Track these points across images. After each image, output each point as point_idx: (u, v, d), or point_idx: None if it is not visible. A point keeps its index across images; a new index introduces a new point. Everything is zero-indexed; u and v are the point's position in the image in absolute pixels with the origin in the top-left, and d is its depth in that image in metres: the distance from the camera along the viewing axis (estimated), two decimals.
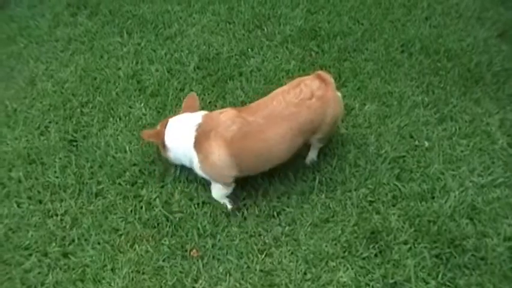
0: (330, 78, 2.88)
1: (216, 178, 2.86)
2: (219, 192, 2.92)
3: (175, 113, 3.08)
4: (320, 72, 2.90)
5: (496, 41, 4.23)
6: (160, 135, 2.90)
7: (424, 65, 3.89)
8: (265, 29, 4.20)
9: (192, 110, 2.98)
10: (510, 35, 4.32)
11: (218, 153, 2.70)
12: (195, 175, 3.00)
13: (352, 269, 2.66)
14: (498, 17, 4.54)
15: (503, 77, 3.82)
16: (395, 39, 4.13)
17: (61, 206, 2.98)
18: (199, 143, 2.74)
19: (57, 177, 3.12)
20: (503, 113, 3.50)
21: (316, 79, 2.83)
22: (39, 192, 3.06)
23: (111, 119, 3.47)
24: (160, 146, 2.96)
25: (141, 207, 2.94)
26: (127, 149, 3.25)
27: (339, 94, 2.96)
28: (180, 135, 2.84)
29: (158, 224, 2.87)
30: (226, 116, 2.75)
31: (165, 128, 2.91)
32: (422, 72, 3.82)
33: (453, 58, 3.98)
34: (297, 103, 2.72)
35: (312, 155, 3.13)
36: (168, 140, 2.89)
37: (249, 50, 4.02)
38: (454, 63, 3.92)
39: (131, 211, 2.94)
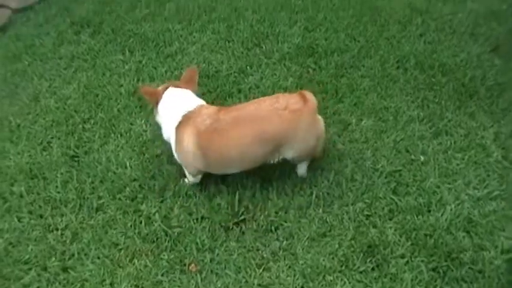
0: (312, 98, 2.78)
1: (184, 165, 2.91)
2: (188, 178, 2.97)
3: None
4: (304, 91, 2.82)
5: (489, 56, 4.19)
6: (157, 97, 2.92)
7: (419, 80, 3.85)
8: (264, 47, 4.18)
9: (191, 84, 2.97)
10: (503, 49, 4.29)
11: (188, 141, 2.74)
12: (194, 190, 2.96)
13: (350, 283, 2.59)
14: (491, 33, 4.51)
15: (497, 91, 3.78)
16: (391, 56, 4.10)
17: (62, 220, 2.93)
18: (181, 126, 2.78)
19: (58, 192, 3.08)
20: (498, 127, 3.45)
21: (297, 95, 2.76)
22: (40, 206, 3.01)
23: (112, 135, 3.43)
24: (154, 106, 2.97)
25: (141, 222, 2.89)
26: (127, 164, 3.20)
27: (319, 117, 2.88)
28: (171, 110, 2.86)
29: (157, 239, 2.81)
30: (207, 110, 2.78)
31: (163, 92, 2.91)
32: (417, 87, 3.78)
33: (447, 73, 3.94)
34: (269, 110, 2.68)
35: (300, 171, 3.05)
36: (161, 107, 2.91)
37: (248, 67, 3.99)
38: (449, 78, 3.88)
39: (131, 226, 2.88)
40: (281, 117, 2.66)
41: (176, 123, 2.79)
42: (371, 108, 3.59)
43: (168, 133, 2.88)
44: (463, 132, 3.41)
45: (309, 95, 2.78)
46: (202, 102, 2.89)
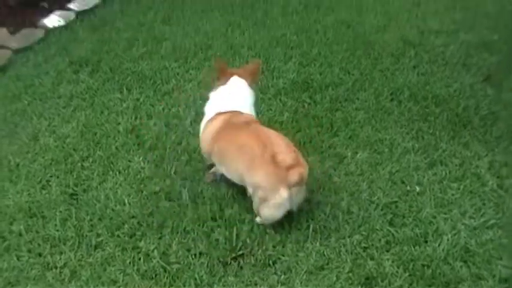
0: (304, 168, 2.80)
1: (201, 146, 3.24)
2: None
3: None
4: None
5: (482, 86, 4.30)
6: (224, 76, 3.23)
7: (413, 112, 3.93)
8: (259, 83, 4.24)
9: (253, 75, 3.28)
10: (495, 79, 4.41)
11: (208, 130, 3.11)
12: (192, 225, 3.00)
13: None
14: (483, 63, 4.63)
15: (490, 120, 3.86)
16: (385, 88, 4.20)
17: (60, 258, 2.93)
18: (212, 119, 3.14)
19: (57, 230, 3.10)
20: (492, 155, 3.52)
21: (294, 153, 2.82)
22: (39, 245, 3.02)
23: (110, 172, 3.48)
24: (216, 80, 3.28)
25: (140, 259, 2.90)
26: (126, 201, 3.24)
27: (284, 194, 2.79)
28: (216, 100, 3.23)
29: (156, 275, 2.82)
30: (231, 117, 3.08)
31: (229, 76, 3.22)
32: (411, 119, 3.86)
33: (441, 104, 4.03)
34: (262, 144, 2.82)
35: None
36: (212, 92, 3.29)
37: None
38: (442, 109, 3.97)
39: (129, 263, 2.89)
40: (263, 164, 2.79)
41: (210, 116, 3.15)
42: (366, 140, 3.65)
43: (206, 112, 3.23)
44: (458, 161, 3.47)
45: (302, 167, 2.80)
46: (242, 105, 3.17)
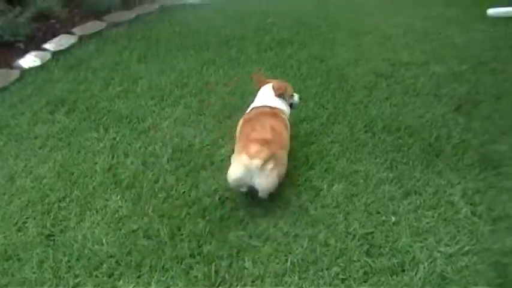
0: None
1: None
2: None
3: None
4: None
5: (453, 115, 4.42)
6: (260, 85, 4.03)
7: (387, 143, 4.03)
8: (235, 119, 4.32)
9: (264, 82, 4.02)
10: (465, 108, 4.54)
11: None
12: (171, 263, 3.02)
13: None
14: (453, 93, 4.77)
15: (462, 148, 3.97)
16: (359, 121, 4.30)
17: None
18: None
19: (34, 272, 3.08)
20: (465, 183, 3.60)
21: (268, 136, 3.42)
22: None
23: (88, 212, 3.48)
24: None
25: None
26: (104, 241, 3.24)
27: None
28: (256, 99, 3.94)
29: None
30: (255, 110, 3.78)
31: (263, 85, 4.00)
32: (385, 149, 3.95)
33: (414, 134, 4.13)
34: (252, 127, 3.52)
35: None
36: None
37: (220, 140, 4.15)
38: (415, 139, 4.07)
39: None
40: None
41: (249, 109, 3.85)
42: (341, 173, 3.72)
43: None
44: (432, 190, 3.55)
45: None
46: (266, 104, 3.81)
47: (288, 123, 3.78)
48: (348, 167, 3.79)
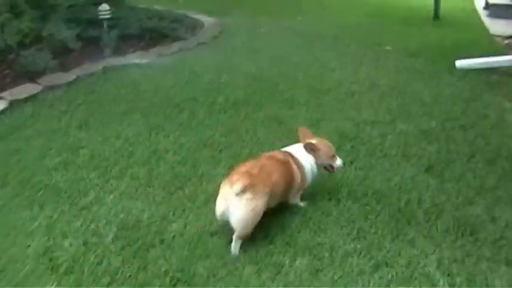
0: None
1: None
2: None
3: None
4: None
5: (424, 177, 4.58)
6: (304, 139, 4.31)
7: (353, 211, 4.11)
8: (186, 190, 4.38)
9: (308, 137, 4.28)
10: (436, 169, 4.70)
11: None
12: None
13: None
14: (422, 152, 4.96)
15: (435, 213, 4.08)
16: (321, 187, 4.38)
17: None
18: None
19: None
20: (440, 251, 3.68)
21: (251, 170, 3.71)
22: None
23: None
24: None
25: None
26: None
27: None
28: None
29: None
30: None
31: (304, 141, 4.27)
32: (351, 218, 4.03)
33: (382, 199, 4.24)
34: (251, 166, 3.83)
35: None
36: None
37: (171, 213, 4.13)
38: (384, 205, 4.18)
39: None
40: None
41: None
42: (304, 246, 3.74)
43: None
44: (404, 262, 3.59)
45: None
46: (288, 150, 4.22)
47: (296, 176, 4.03)
48: (312, 239, 3.82)
